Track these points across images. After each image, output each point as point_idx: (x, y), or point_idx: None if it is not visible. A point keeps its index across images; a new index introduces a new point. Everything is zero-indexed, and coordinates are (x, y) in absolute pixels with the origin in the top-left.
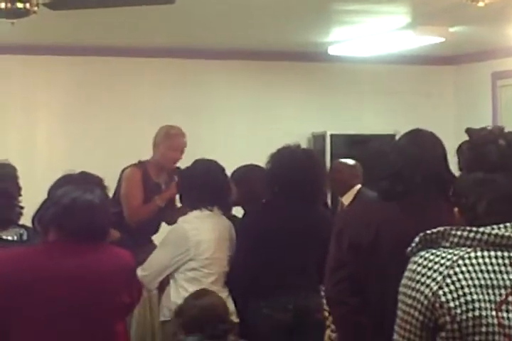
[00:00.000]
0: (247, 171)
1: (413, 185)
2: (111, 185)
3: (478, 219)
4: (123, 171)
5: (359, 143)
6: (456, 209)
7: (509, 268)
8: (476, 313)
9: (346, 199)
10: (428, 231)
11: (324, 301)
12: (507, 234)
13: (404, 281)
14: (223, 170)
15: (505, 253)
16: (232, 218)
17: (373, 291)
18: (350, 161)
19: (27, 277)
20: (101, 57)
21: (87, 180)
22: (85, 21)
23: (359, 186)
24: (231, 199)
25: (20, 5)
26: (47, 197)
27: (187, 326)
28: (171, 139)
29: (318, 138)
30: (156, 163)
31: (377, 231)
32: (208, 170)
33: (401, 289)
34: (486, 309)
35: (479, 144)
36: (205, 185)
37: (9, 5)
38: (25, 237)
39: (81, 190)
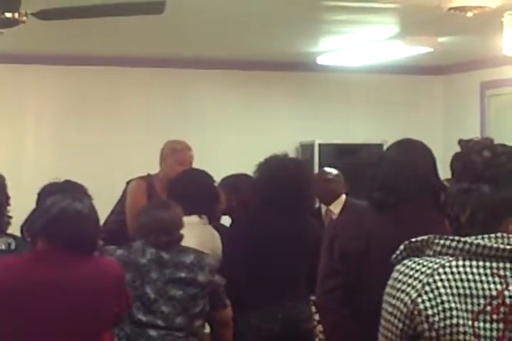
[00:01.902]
0: (235, 180)
1: (406, 195)
2: (99, 195)
3: (462, 229)
4: (128, 183)
5: (347, 152)
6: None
7: (490, 278)
8: (454, 321)
9: (335, 208)
10: (412, 240)
11: (314, 310)
12: (489, 244)
13: (386, 289)
14: (212, 180)
15: (487, 264)
16: (220, 227)
17: (364, 300)
18: (334, 170)
19: (15, 286)
20: (91, 67)
21: (72, 189)
22: (75, 31)
23: (344, 195)
24: (219, 208)
25: (8, 15)
26: (35, 205)
27: (137, 231)
28: (177, 154)
29: (307, 148)
30: (163, 178)
31: (368, 240)
32: (197, 179)
33: (384, 297)
34: (463, 318)
35: (465, 155)
36: (195, 193)
37: None
38: (13, 246)
39: (70, 199)
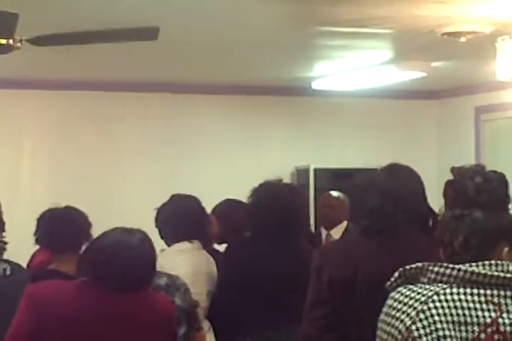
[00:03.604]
0: (229, 206)
1: (393, 221)
2: (99, 221)
3: (455, 255)
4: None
5: (343, 177)
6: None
7: (484, 306)
8: None
9: (336, 233)
10: (407, 267)
11: None
12: (483, 271)
13: (381, 316)
14: (200, 204)
15: (481, 291)
16: (214, 253)
17: (350, 328)
18: (341, 195)
19: (63, 312)
20: (88, 92)
21: (73, 215)
22: (71, 56)
23: (345, 221)
24: (210, 233)
25: (3, 41)
26: (35, 232)
27: None
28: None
29: (302, 173)
30: None
31: (355, 268)
32: (185, 205)
33: (378, 324)
34: None
35: (457, 181)
36: (183, 219)
37: None
38: (8, 272)
39: (124, 234)
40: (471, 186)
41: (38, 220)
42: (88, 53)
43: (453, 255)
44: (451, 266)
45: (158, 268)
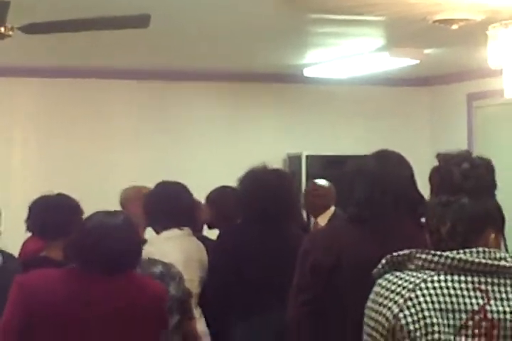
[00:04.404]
0: (221, 193)
1: (382, 208)
2: (90, 208)
3: (442, 241)
4: None
5: (335, 164)
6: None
7: (471, 293)
8: (436, 337)
9: (322, 220)
10: (394, 254)
11: None
12: (471, 258)
13: (368, 304)
14: (188, 190)
15: (469, 278)
16: (204, 239)
17: (334, 314)
18: (326, 183)
19: (52, 299)
20: (79, 79)
21: (65, 203)
22: (62, 44)
23: (333, 208)
24: (200, 219)
25: None
26: (27, 219)
27: None
28: None
29: (294, 159)
30: None
31: (340, 254)
32: (172, 191)
33: (365, 311)
34: (445, 333)
35: (443, 167)
36: (171, 205)
37: None
38: (0, 262)
39: (106, 217)
40: (457, 172)
41: (30, 208)
42: (79, 41)
43: (440, 242)
44: (438, 253)
45: (148, 256)
